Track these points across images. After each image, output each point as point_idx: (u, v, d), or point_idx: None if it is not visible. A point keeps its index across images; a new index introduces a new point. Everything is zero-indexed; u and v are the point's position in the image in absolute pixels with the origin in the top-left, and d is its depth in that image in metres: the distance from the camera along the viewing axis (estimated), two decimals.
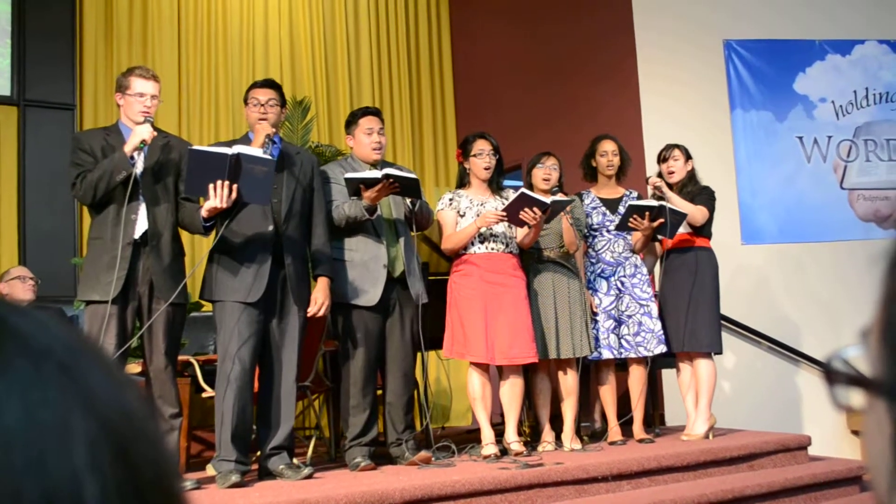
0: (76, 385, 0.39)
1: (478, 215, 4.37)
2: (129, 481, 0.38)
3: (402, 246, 4.28)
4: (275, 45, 7.56)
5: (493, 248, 4.43)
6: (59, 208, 6.32)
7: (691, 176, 4.87)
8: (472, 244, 4.43)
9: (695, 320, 4.67)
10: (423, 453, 4.16)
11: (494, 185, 4.54)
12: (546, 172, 4.61)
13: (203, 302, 4.22)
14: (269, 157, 3.73)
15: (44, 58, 6.54)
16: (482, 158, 4.49)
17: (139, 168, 3.80)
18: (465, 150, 4.57)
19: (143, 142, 3.70)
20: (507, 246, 4.45)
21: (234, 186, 3.62)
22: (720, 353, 4.78)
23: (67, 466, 0.36)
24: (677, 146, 4.88)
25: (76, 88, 6.67)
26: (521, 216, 4.22)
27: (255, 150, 3.72)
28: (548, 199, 4.26)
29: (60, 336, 0.40)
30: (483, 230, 4.39)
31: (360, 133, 4.33)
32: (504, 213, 4.26)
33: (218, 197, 3.60)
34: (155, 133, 3.76)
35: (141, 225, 3.77)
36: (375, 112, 4.44)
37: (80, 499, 0.36)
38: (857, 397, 0.48)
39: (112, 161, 3.70)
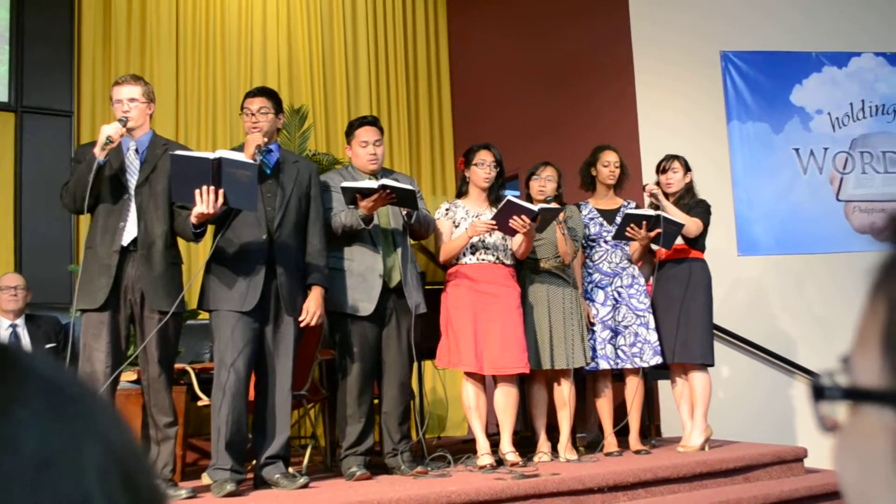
0: (87, 418, 0.43)
1: None
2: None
3: (399, 256, 4.27)
4: (273, 53, 7.57)
5: (484, 259, 4.43)
6: (56, 215, 6.31)
7: (689, 188, 4.87)
8: (464, 255, 4.44)
9: (686, 332, 4.66)
10: (419, 469, 4.14)
11: (493, 197, 4.54)
12: (541, 183, 4.63)
13: (199, 310, 4.21)
14: (252, 162, 3.69)
15: (42, 64, 6.55)
16: (482, 168, 4.50)
17: (134, 176, 3.79)
18: (467, 158, 4.58)
19: (109, 138, 3.61)
20: (497, 257, 4.45)
21: (221, 191, 3.58)
22: (712, 364, 4.76)
23: (80, 487, 0.40)
24: (677, 158, 4.88)
25: (74, 95, 6.67)
26: (510, 224, 4.23)
27: (237, 155, 3.68)
28: (535, 207, 4.26)
29: (70, 378, 0.45)
30: (475, 240, 4.40)
31: (356, 145, 4.32)
32: (494, 222, 4.27)
33: (204, 202, 3.56)
34: (123, 131, 3.70)
35: (130, 232, 3.73)
36: (373, 122, 4.39)
37: None
38: (843, 413, 0.47)
39: (84, 165, 3.68)
